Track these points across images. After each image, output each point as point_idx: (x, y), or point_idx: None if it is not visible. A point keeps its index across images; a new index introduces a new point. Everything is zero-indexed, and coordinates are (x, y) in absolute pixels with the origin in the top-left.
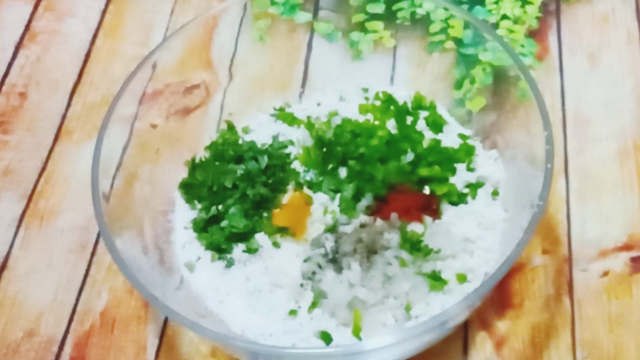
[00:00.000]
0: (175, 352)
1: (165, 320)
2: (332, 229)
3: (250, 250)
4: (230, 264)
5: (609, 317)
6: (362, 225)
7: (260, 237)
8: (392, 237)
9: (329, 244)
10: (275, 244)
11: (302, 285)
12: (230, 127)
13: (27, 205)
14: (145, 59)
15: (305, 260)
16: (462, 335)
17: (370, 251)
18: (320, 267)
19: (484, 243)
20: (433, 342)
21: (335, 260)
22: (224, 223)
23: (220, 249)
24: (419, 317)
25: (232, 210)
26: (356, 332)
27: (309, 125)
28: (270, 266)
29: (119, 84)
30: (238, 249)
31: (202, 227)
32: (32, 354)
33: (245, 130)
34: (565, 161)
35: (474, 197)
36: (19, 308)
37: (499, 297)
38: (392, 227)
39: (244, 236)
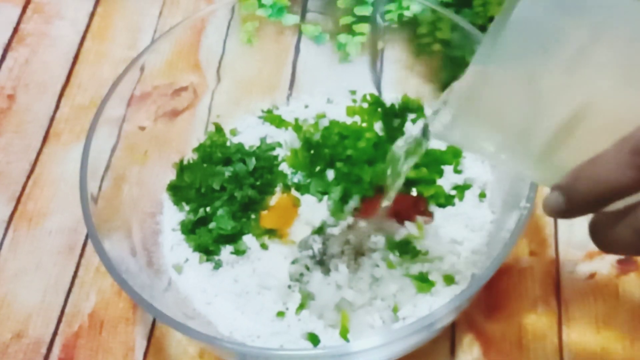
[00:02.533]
0: (163, 353)
1: (154, 322)
2: (319, 231)
3: (238, 252)
4: (218, 265)
5: (595, 318)
6: (350, 227)
7: (248, 239)
8: (379, 239)
9: (317, 245)
10: (263, 246)
11: (289, 287)
12: (218, 129)
13: (16, 207)
14: (134, 61)
15: (292, 262)
16: (450, 336)
17: (358, 253)
18: (307, 268)
19: (471, 245)
20: (420, 344)
21: (322, 262)
22: (212, 225)
23: (208, 251)
24: (407, 319)
25: (220, 212)
26: (344, 334)
27: (297, 128)
28: (258, 268)
29: (107, 86)
30: (226, 251)
31: (190, 228)
32: (20, 355)
33: (233, 133)
34: None
35: (461, 199)
36: (7, 310)
37: (487, 298)
38: (380, 229)
39: (232, 238)
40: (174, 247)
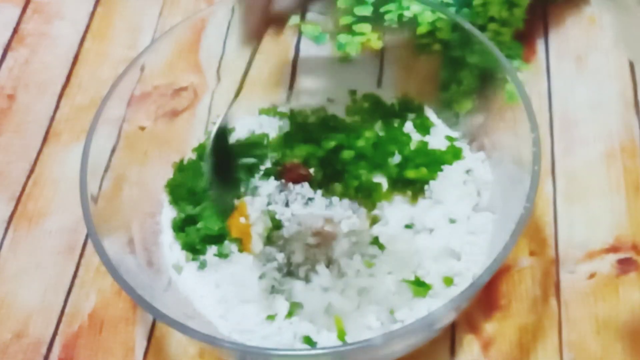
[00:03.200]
0: (163, 353)
1: (154, 322)
2: (269, 241)
3: (221, 255)
4: (203, 265)
5: (595, 318)
6: (300, 232)
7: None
8: (341, 244)
9: (279, 256)
10: (240, 250)
11: (270, 296)
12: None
13: (16, 207)
14: (134, 61)
15: (260, 277)
16: (450, 336)
17: (328, 259)
18: (279, 279)
19: (471, 245)
20: (421, 344)
21: (292, 273)
22: (200, 224)
23: (194, 250)
24: (405, 321)
25: (208, 212)
26: (341, 336)
27: (292, 117)
28: (236, 274)
29: (107, 86)
30: (211, 252)
31: (180, 226)
32: (20, 355)
33: (231, 131)
34: (552, 163)
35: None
36: (7, 310)
37: (486, 298)
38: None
39: (219, 238)
40: (174, 246)
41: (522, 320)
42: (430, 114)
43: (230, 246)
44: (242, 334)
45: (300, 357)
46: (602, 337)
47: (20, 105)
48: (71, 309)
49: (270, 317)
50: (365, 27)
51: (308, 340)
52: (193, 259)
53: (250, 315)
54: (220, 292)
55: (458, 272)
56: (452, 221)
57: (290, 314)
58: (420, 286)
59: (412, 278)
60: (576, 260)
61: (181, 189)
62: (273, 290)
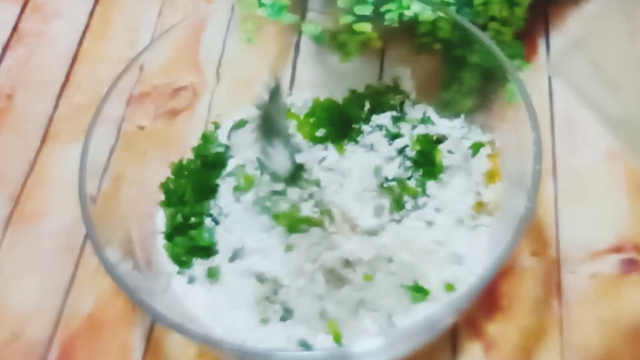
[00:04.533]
0: (162, 354)
1: (153, 323)
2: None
3: (212, 276)
4: (191, 280)
5: (598, 319)
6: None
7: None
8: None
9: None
10: (231, 259)
11: (265, 299)
12: (218, 128)
13: (14, 207)
14: (133, 60)
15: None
16: (451, 338)
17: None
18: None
19: (472, 246)
20: (422, 345)
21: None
22: (190, 234)
23: (181, 262)
24: (403, 324)
25: (194, 219)
26: (337, 339)
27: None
28: (227, 281)
29: (106, 85)
30: (199, 266)
31: (170, 233)
32: (18, 356)
33: (216, 125)
34: (553, 163)
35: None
36: (5, 311)
37: (488, 300)
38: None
39: (207, 251)
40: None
41: (524, 321)
42: (430, 113)
43: (219, 264)
44: (236, 337)
45: (302, 359)
46: (604, 337)
47: (19, 105)
48: (69, 309)
49: (264, 321)
50: (366, 27)
51: (304, 343)
52: (179, 273)
53: (242, 319)
54: (212, 297)
55: (459, 274)
56: (453, 224)
57: (284, 319)
58: (418, 292)
59: (411, 283)
60: (578, 261)
61: (173, 195)
62: (267, 299)
